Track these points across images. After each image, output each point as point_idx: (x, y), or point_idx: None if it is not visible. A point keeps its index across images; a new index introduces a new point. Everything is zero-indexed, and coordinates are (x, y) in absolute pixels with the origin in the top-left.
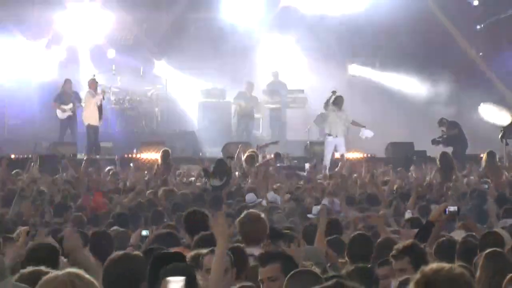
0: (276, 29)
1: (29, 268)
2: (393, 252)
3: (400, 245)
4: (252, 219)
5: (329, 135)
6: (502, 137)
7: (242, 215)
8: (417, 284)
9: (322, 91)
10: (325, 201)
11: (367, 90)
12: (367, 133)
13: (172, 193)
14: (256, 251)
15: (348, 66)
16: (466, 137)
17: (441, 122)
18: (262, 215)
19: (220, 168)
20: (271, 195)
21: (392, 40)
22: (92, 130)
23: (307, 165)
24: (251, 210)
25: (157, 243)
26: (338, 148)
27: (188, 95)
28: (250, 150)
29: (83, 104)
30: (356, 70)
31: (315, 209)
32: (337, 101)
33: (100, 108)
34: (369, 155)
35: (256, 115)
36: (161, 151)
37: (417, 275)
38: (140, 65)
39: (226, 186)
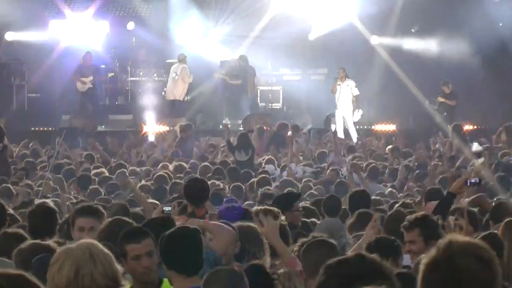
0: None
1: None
2: (405, 223)
3: (412, 216)
4: None
5: (336, 108)
6: None
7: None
8: (436, 264)
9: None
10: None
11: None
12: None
13: (181, 167)
14: None
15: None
16: None
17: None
18: None
19: (244, 142)
20: (293, 166)
21: None
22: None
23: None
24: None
25: None
26: (345, 121)
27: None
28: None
29: (175, 77)
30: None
31: None
32: (338, 74)
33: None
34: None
35: (276, 87)
36: (179, 124)
37: (436, 251)
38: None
39: (252, 161)
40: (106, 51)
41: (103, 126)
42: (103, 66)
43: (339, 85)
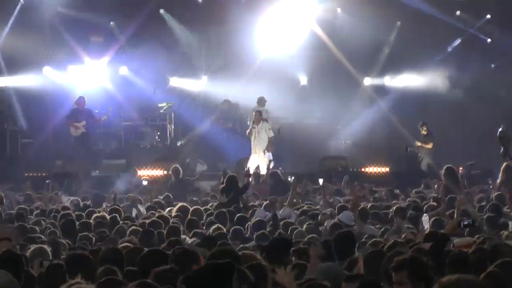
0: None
1: None
2: (393, 264)
3: (400, 257)
4: None
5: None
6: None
7: None
8: None
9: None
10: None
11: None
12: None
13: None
14: None
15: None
16: None
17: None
18: None
19: (228, 184)
20: (286, 211)
21: None
22: None
23: (321, 181)
24: None
25: None
26: (259, 164)
27: (202, 109)
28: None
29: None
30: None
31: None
32: (253, 117)
33: None
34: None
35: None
36: (172, 168)
37: None
38: (153, 82)
39: (234, 203)
40: (100, 95)
41: (97, 171)
42: (96, 110)
43: (254, 128)
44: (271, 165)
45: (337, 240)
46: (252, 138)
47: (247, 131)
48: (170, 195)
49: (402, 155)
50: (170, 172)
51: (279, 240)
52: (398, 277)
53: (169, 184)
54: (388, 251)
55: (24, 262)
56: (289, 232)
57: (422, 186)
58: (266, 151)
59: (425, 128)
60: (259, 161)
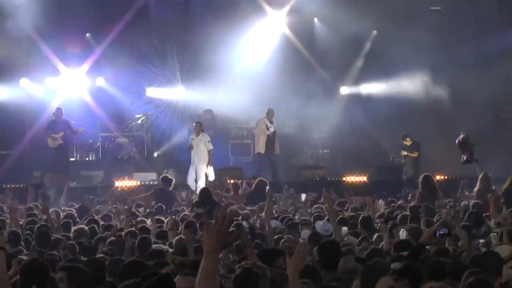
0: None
1: None
2: (392, 272)
3: (397, 265)
4: None
5: (192, 162)
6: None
7: None
8: None
9: None
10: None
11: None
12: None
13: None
14: None
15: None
16: None
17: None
18: None
19: (204, 197)
20: (274, 222)
21: None
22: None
23: (303, 196)
24: None
25: None
26: (197, 175)
27: (181, 119)
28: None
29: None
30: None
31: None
32: (194, 128)
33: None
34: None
35: (246, 141)
36: (161, 176)
37: None
38: (129, 92)
39: (210, 214)
40: (77, 106)
41: (74, 183)
42: (74, 122)
43: (193, 139)
44: (209, 179)
45: (322, 250)
46: (192, 150)
47: (188, 145)
48: (163, 206)
49: (384, 165)
50: (159, 181)
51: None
52: (401, 286)
53: (155, 194)
54: (368, 259)
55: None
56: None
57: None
58: (208, 165)
59: (408, 139)
60: (197, 173)
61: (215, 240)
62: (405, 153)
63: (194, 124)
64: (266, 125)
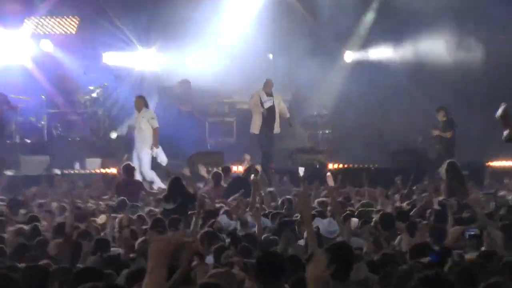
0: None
1: None
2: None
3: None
4: None
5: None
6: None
7: None
8: None
9: None
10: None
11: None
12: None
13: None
14: None
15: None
16: None
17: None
18: None
19: (174, 188)
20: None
21: None
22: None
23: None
24: None
25: None
26: (141, 162)
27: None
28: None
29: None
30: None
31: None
32: (135, 105)
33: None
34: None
35: (228, 119)
36: (123, 165)
37: None
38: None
39: (182, 210)
40: (17, 76)
41: (13, 170)
42: (13, 95)
43: (136, 117)
44: (163, 164)
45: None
46: (134, 131)
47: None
48: (126, 199)
49: (400, 149)
50: (119, 171)
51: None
52: None
53: (117, 185)
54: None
55: None
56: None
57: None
58: (153, 146)
59: (443, 114)
60: (140, 159)
61: (163, 256)
62: (437, 132)
63: (135, 99)
64: (261, 99)
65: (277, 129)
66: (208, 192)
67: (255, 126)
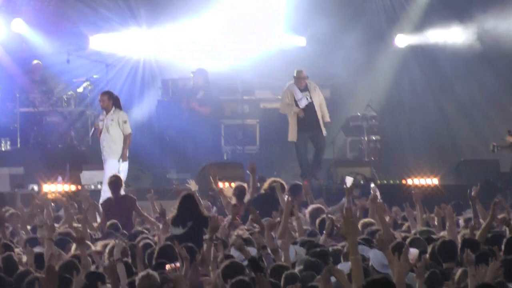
0: None
1: None
2: None
3: None
4: None
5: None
6: None
7: None
8: None
9: None
10: None
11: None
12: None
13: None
14: None
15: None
16: None
17: None
18: None
19: (184, 209)
20: (293, 249)
21: None
22: None
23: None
24: None
25: None
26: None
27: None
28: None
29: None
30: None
31: None
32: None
33: None
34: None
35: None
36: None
37: None
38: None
39: (193, 235)
40: None
41: None
42: None
43: (102, 120)
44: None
45: None
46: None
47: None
48: (117, 222)
49: (467, 160)
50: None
51: None
52: None
53: (104, 204)
54: None
55: None
56: None
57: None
58: (121, 159)
59: None
60: (104, 170)
61: None
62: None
63: (99, 97)
64: (294, 97)
65: (323, 131)
66: (227, 208)
67: (293, 133)
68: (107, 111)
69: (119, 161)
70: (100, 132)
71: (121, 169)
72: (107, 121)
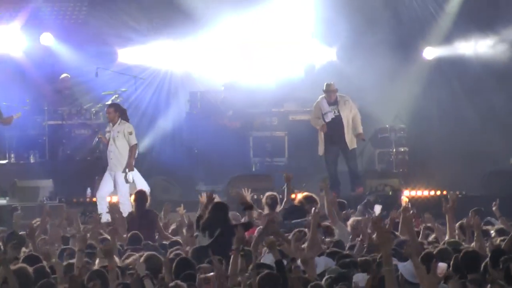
0: None
1: None
2: None
3: None
4: None
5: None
6: None
7: None
8: None
9: None
10: None
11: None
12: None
13: None
14: None
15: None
16: None
17: None
18: None
19: (215, 215)
20: (322, 259)
21: None
22: None
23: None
24: None
25: None
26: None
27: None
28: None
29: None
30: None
31: None
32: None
33: None
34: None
35: (278, 133)
36: (135, 192)
37: None
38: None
39: (220, 244)
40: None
41: (7, 198)
42: (5, 103)
43: (109, 131)
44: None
45: None
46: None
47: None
48: (139, 233)
49: (497, 170)
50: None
51: None
52: None
53: (127, 218)
54: None
55: None
56: None
57: None
58: (127, 170)
59: None
60: (115, 184)
61: None
62: None
63: (106, 109)
64: (321, 110)
65: (351, 142)
66: (260, 219)
67: (321, 146)
68: (113, 123)
69: (126, 172)
70: (107, 143)
71: (130, 179)
72: (114, 133)
